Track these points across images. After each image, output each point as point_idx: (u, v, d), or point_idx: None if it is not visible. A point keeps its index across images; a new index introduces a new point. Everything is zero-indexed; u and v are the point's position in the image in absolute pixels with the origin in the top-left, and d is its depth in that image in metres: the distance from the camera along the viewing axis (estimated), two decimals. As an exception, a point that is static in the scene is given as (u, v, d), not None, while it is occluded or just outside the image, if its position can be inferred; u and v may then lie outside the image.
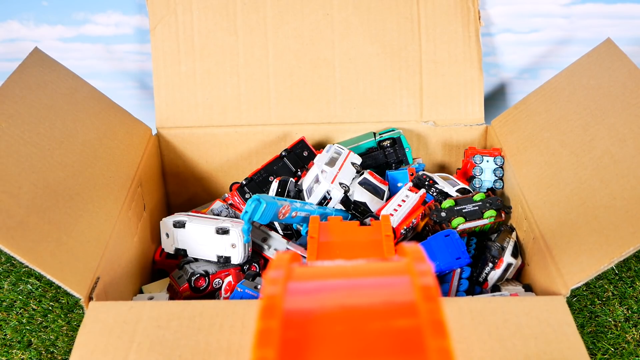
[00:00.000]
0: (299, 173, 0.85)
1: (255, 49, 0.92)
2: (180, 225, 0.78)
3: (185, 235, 0.78)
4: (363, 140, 0.91)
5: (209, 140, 0.94)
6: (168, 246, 0.81)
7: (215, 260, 0.77)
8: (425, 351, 0.31)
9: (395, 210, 0.77)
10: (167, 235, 0.80)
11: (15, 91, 0.70)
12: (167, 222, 0.80)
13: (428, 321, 0.31)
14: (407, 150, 0.89)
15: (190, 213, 0.83)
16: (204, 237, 0.77)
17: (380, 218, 0.73)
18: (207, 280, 0.76)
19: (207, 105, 0.93)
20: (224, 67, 0.92)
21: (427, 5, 0.91)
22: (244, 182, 0.85)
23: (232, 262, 0.76)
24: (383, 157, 0.89)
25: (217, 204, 0.86)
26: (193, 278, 0.75)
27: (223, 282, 0.76)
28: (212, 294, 0.78)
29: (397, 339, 0.32)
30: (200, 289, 0.75)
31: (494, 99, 1.07)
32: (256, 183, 0.85)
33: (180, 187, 1.00)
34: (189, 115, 0.93)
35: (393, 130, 0.91)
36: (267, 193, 0.84)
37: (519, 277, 0.79)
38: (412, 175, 0.87)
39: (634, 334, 0.79)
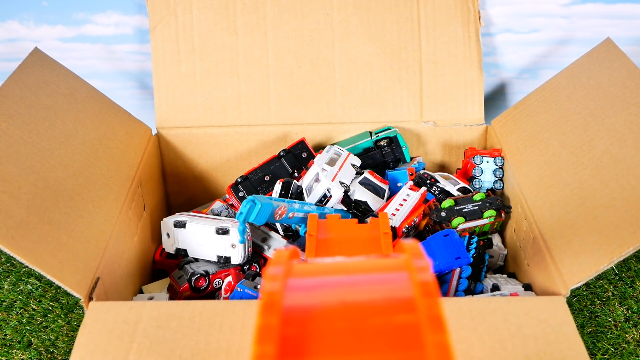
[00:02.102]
0: (296, 174, 0.85)
1: (255, 49, 0.92)
2: (180, 225, 0.78)
3: (186, 235, 0.78)
4: (359, 140, 0.91)
5: (208, 140, 0.94)
6: (169, 246, 0.81)
7: (216, 260, 0.77)
8: (423, 346, 0.31)
9: (397, 210, 0.77)
10: (168, 235, 0.80)
11: (15, 91, 0.70)
12: (167, 222, 0.80)
13: (426, 316, 0.31)
14: (404, 148, 0.89)
15: (191, 213, 0.84)
16: (204, 237, 0.77)
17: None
18: (207, 280, 0.76)
19: (207, 105, 0.93)
20: (224, 67, 0.92)
21: (427, 5, 0.91)
22: (239, 180, 0.85)
23: (232, 262, 0.76)
24: (381, 157, 0.89)
25: (217, 204, 0.86)
26: (193, 278, 0.75)
27: (223, 282, 0.77)
28: (212, 294, 0.78)
29: (396, 334, 0.32)
30: (201, 289, 0.76)
31: (494, 99, 1.07)
32: (251, 182, 0.85)
33: (180, 187, 1.00)
34: (189, 115, 0.93)
35: (389, 129, 0.91)
36: (262, 192, 0.84)
37: (519, 277, 0.79)
38: (411, 175, 0.87)
39: (634, 334, 0.79)
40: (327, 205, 0.79)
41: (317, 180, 0.78)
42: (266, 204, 0.68)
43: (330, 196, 0.78)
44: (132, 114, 0.88)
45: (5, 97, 0.68)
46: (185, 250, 0.79)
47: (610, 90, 0.73)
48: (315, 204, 0.78)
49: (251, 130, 0.93)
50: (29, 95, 0.71)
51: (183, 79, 0.92)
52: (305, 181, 0.80)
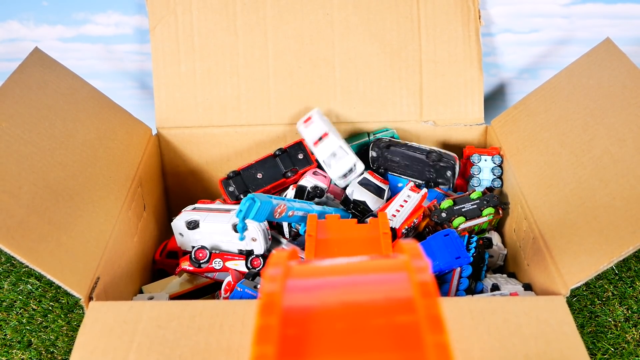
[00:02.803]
0: (289, 175, 0.85)
1: (255, 49, 0.92)
2: (194, 226, 0.78)
3: (202, 234, 0.78)
4: (357, 140, 0.91)
5: (209, 140, 0.94)
6: (185, 245, 0.81)
7: (237, 253, 0.78)
8: (423, 347, 0.31)
9: (397, 211, 0.77)
10: (182, 235, 0.80)
11: (15, 91, 0.70)
12: (178, 224, 0.79)
13: (425, 317, 0.31)
14: None
15: (197, 206, 0.83)
16: (221, 235, 0.77)
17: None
18: (208, 255, 0.77)
19: (207, 105, 0.93)
20: (224, 67, 0.92)
21: (427, 5, 0.91)
22: (231, 175, 0.85)
23: (256, 254, 0.78)
24: None
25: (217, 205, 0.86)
26: (195, 249, 0.77)
27: (223, 263, 0.77)
28: (214, 287, 0.79)
29: (396, 335, 0.32)
30: (201, 262, 0.77)
31: (494, 99, 1.07)
32: (242, 178, 0.85)
33: (180, 187, 1.00)
34: (189, 115, 0.93)
35: (387, 130, 0.91)
36: (252, 190, 0.84)
37: (519, 276, 0.79)
38: None
39: (634, 334, 0.79)
40: (350, 177, 0.83)
41: (334, 155, 0.82)
42: (266, 202, 0.68)
43: (354, 170, 0.82)
44: (132, 114, 0.88)
45: (5, 97, 0.68)
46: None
47: (610, 90, 0.73)
48: (340, 177, 0.82)
49: (251, 130, 0.93)
50: (29, 95, 0.71)
51: (183, 79, 0.92)
52: (323, 154, 0.83)
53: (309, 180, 0.83)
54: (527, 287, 0.72)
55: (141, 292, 0.79)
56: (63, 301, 0.87)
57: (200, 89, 0.92)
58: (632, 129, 0.67)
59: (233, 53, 0.92)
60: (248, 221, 0.74)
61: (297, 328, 0.33)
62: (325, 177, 0.84)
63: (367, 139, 0.90)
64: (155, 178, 0.93)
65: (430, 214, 0.79)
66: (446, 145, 0.95)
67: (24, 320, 0.84)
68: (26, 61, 0.75)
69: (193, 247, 0.78)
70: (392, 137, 0.89)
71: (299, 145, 0.86)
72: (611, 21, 0.97)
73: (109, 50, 1.01)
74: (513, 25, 0.98)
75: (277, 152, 0.86)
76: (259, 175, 0.85)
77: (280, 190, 0.87)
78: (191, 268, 0.78)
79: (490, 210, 0.79)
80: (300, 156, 0.86)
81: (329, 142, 0.82)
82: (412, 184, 0.83)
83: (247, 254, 0.78)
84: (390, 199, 0.80)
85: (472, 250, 0.74)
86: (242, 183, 0.84)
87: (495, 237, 0.85)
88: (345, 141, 0.85)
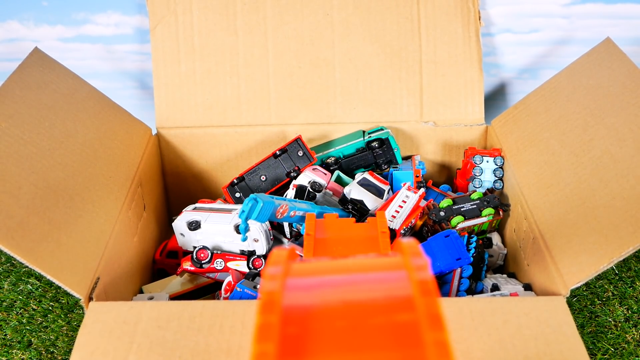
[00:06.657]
0: (293, 174, 0.85)
1: (255, 49, 0.92)
2: (195, 226, 0.78)
3: (203, 234, 0.78)
4: (352, 139, 0.91)
5: (208, 140, 0.94)
6: (186, 245, 0.81)
7: (239, 253, 0.79)
8: (423, 344, 0.31)
9: (397, 212, 0.77)
10: (183, 235, 0.80)
11: (15, 91, 0.70)
12: (179, 225, 0.79)
13: (425, 315, 0.31)
14: (395, 150, 0.88)
15: (197, 205, 0.83)
16: (223, 236, 0.77)
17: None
18: (209, 255, 0.77)
19: (207, 105, 0.93)
20: (224, 67, 0.92)
21: (427, 5, 0.91)
22: (235, 182, 0.85)
23: (258, 254, 0.78)
24: (372, 158, 0.89)
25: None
26: (197, 249, 0.77)
27: (225, 264, 0.77)
28: (214, 287, 0.79)
29: (395, 333, 0.32)
30: (202, 262, 0.77)
31: (494, 99, 1.07)
32: (247, 183, 0.85)
33: (180, 187, 1.00)
34: (189, 115, 0.93)
35: (382, 129, 0.90)
36: (258, 192, 0.84)
37: (519, 276, 0.79)
38: (417, 176, 0.87)
39: (634, 334, 0.79)
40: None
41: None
42: (268, 202, 0.68)
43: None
44: (132, 114, 0.88)
45: (5, 97, 0.68)
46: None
47: (610, 90, 0.73)
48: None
49: (251, 130, 0.93)
50: (29, 95, 0.71)
51: (183, 79, 0.92)
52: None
53: (307, 175, 0.82)
54: (527, 287, 0.72)
55: (141, 292, 0.79)
56: (63, 301, 0.87)
57: (200, 89, 0.92)
58: (632, 129, 0.67)
59: (233, 53, 0.92)
60: (250, 222, 0.74)
61: (298, 326, 0.33)
62: (325, 174, 0.84)
63: (362, 139, 0.90)
64: (155, 178, 0.93)
65: (428, 213, 0.79)
66: (447, 146, 0.95)
67: (24, 320, 0.84)
68: (26, 61, 0.75)
69: (194, 247, 0.78)
70: (387, 138, 0.88)
71: (298, 142, 0.86)
72: (611, 21, 0.97)
73: (109, 50, 1.01)
74: (513, 25, 0.98)
75: (278, 153, 0.85)
76: (263, 178, 0.85)
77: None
78: (193, 268, 0.78)
79: (489, 210, 0.79)
80: (300, 153, 0.85)
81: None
82: (408, 184, 0.83)
83: (248, 255, 0.78)
84: (388, 199, 0.80)
85: (472, 250, 0.74)
86: (247, 188, 0.85)
87: (495, 237, 0.85)
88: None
